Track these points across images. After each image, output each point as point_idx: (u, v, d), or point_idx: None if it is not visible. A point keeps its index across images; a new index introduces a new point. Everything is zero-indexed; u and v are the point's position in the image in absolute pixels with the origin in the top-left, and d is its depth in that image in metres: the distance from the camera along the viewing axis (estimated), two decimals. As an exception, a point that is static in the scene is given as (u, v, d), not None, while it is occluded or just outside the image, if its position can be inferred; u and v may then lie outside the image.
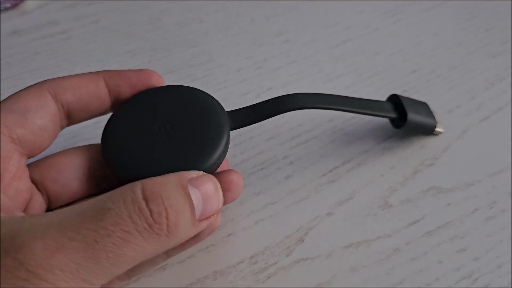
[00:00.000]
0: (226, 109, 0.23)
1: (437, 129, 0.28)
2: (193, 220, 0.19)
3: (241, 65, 0.33)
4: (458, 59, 0.34)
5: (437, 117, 0.29)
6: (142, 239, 0.17)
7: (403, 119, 0.27)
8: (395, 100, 0.28)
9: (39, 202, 0.21)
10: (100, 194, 0.23)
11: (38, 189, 0.22)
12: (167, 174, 0.19)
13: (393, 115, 0.27)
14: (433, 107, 0.31)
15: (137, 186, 0.18)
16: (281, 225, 0.26)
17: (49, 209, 0.22)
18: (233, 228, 0.26)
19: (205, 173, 0.20)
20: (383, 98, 0.31)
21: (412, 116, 0.27)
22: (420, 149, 0.29)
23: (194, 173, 0.19)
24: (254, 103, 0.24)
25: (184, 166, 0.20)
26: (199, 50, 0.33)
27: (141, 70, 0.23)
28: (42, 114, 0.21)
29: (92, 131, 0.29)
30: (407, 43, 0.34)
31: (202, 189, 0.19)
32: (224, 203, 0.23)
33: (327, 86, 0.32)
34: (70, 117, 0.22)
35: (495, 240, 0.25)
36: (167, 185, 0.18)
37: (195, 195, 0.19)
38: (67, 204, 0.23)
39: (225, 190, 0.22)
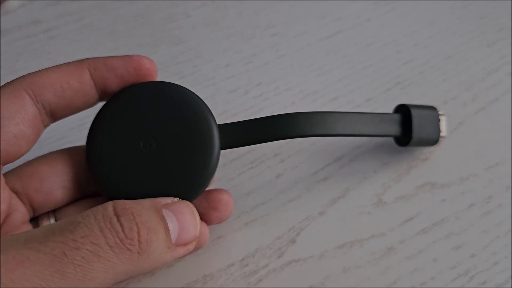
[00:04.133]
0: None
1: (440, 139, 0.26)
2: (167, 242, 0.18)
3: (229, 60, 0.32)
4: (452, 48, 0.33)
5: (443, 122, 0.26)
6: (113, 254, 0.16)
7: (408, 134, 0.25)
8: (403, 110, 0.26)
9: (21, 213, 0.21)
10: (84, 199, 0.23)
11: (21, 199, 0.21)
12: (143, 199, 0.19)
13: (398, 133, 0.25)
14: (428, 99, 0.30)
15: (108, 204, 0.18)
16: (272, 226, 0.25)
17: (33, 218, 0.22)
18: (223, 230, 0.25)
19: (180, 199, 0.20)
20: (377, 90, 0.30)
21: (417, 137, 0.25)
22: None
23: (169, 199, 0.19)
24: (246, 116, 0.23)
25: (166, 191, 0.20)
26: (186, 46, 0.32)
27: (130, 57, 0.21)
28: (18, 120, 0.19)
29: (77, 132, 0.28)
30: (400, 33, 0.33)
31: (179, 214, 0.19)
32: (211, 222, 0.23)
33: (318, 80, 0.31)
34: (54, 115, 0.21)
35: (492, 236, 0.25)
36: (139, 204, 0.18)
37: (170, 218, 0.19)
38: (53, 211, 0.22)
39: (212, 208, 0.22)
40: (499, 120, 0.29)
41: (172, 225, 0.18)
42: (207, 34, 0.33)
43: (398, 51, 0.32)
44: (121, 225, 0.17)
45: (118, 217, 0.17)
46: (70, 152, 0.22)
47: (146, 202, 0.19)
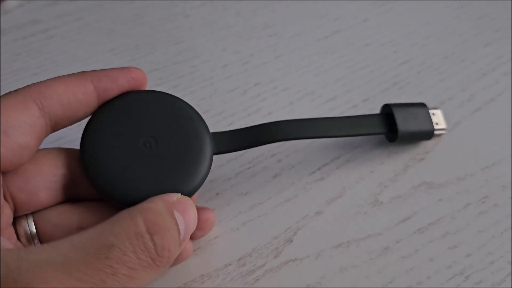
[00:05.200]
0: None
1: (436, 132, 0.27)
2: (180, 244, 0.19)
3: (227, 60, 0.32)
4: (449, 48, 0.33)
5: (438, 116, 0.27)
6: (144, 273, 0.17)
7: (394, 129, 0.26)
8: (388, 110, 0.27)
9: (7, 215, 0.20)
10: (67, 202, 0.22)
11: (5, 198, 0.20)
12: (153, 199, 0.19)
13: (381, 130, 0.26)
14: (424, 99, 0.30)
15: (138, 218, 0.18)
16: (269, 225, 0.25)
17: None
18: (220, 230, 0.25)
19: (182, 195, 0.21)
20: (374, 90, 0.31)
21: (403, 130, 0.26)
22: (411, 143, 0.28)
23: (174, 196, 0.20)
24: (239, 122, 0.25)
25: (165, 190, 0.20)
26: (184, 46, 0.32)
27: (128, 70, 0.22)
28: (25, 130, 0.19)
29: (75, 133, 0.28)
30: (397, 33, 0.34)
31: (184, 212, 0.20)
32: (193, 239, 0.24)
33: (316, 80, 0.31)
34: (56, 126, 0.21)
35: (487, 236, 0.25)
36: (162, 214, 0.19)
37: (179, 219, 0.19)
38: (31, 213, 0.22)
39: (197, 229, 0.22)
40: (495, 120, 0.29)
41: (181, 227, 0.19)
42: (205, 34, 0.33)
43: (395, 51, 0.33)
44: (154, 244, 0.18)
45: (151, 235, 0.18)
46: (56, 153, 0.22)
47: (163, 207, 0.19)
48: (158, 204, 0.19)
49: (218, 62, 0.32)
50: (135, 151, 0.21)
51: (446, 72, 0.32)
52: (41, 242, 0.21)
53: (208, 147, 0.22)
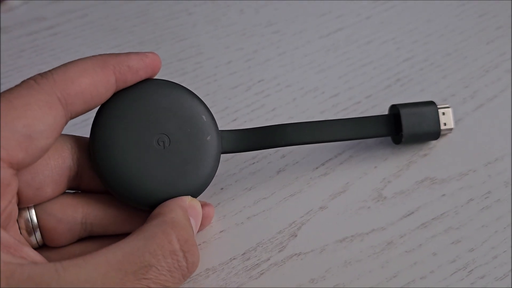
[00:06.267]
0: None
1: (443, 132, 0.27)
2: None
3: (230, 57, 0.32)
4: (451, 46, 0.33)
5: (448, 115, 0.26)
6: (174, 287, 0.18)
7: (401, 133, 0.26)
8: (395, 111, 0.26)
9: (14, 210, 0.19)
10: (67, 193, 0.22)
11: None
12: (173, 206, 0.20)
13: (386, 134, 0.26)
14: (427, 96, 0.30)
15: (172, 236, 0.19)
16: (274, 220, 0.25)
17: None
18: (225, 224, 0.25)
19: (192, 198, 0.22)
20: (377, 87, 0.31)
21: (408, 134, 0.26)
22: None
23: (186, 200, 0.21)
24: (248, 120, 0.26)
25: (175, 190, 0.21)
26: (188, 43, 0.33)
27: (147, 57, 0.21)
28: (49, 134, 0.18)
29: (81, 128, 0.28)
30: (399, 30, 0.34)
31: (196, 219, 0.21)
32: None
33: (319, 77, 0.31)
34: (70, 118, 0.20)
35: (490, 231, 0.25)
36: (188, 228, 0.20)
37: (193, 225, 0.21)
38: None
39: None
40: (498, 117, 0.29)
41: (193, 231, 0.21)
42: (209, 32, 0.33)
43: (397, 48, 0.33)
44: (186, 261, 0.19)
45: (184, 252, 0.19)
46: (63, 142, 0.21)
47: (182, 215, 0.20)
48: (180, 214, 0.20)
49: (221, 59, 0.32)
50: (148, 149, 0.21)
51: (448, 69, 0.32)
52: (42, 235, 0.21)
53: (217, 148, 0.22)
